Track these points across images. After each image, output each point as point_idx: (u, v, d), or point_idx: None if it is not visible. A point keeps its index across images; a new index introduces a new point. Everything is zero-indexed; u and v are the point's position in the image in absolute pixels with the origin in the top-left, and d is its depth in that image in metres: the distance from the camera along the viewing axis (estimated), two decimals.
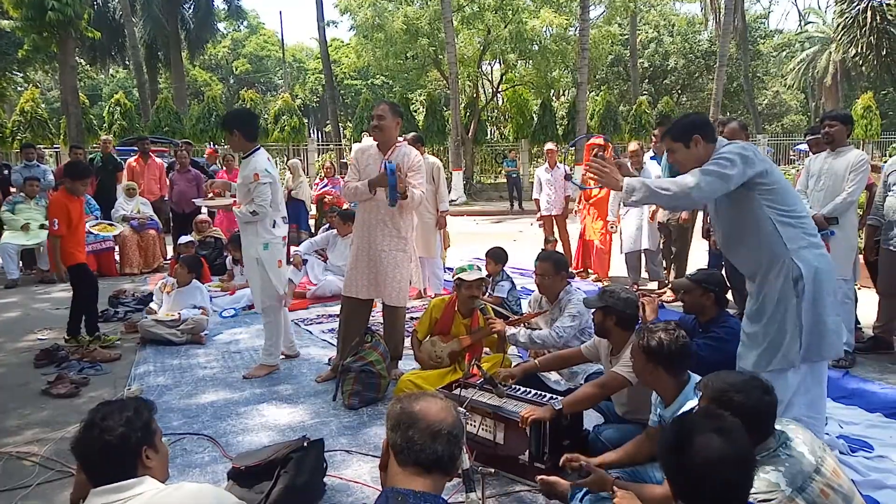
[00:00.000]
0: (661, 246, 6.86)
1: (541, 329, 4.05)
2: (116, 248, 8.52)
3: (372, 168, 4.19)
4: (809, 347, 2.71)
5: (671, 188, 2.68)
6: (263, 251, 4.37)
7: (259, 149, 4.42)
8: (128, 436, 1.73)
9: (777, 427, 2.07)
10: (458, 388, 3.29)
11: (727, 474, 1.60)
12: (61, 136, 18.75)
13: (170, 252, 8.72)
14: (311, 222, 9.75)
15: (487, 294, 5.75)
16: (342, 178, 10.32)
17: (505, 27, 19.29)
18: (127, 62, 29.90)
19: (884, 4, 13.12)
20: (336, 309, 6.22)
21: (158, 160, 9.92)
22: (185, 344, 5.30)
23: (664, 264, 6.96)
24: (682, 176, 2.72)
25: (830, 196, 4.55)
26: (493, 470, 2.62)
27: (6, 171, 9.25)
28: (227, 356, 5.05)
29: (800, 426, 2.12)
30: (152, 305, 5.75)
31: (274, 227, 4.41)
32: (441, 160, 7.26)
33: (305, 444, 2.90)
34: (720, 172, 2.63)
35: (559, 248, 8.18)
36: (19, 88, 28.28)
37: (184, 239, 7.62)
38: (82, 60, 28.71)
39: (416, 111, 24.38)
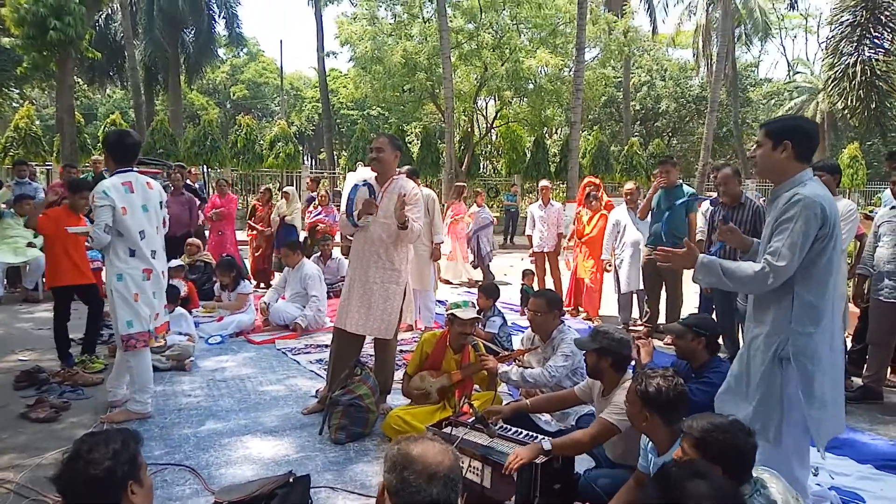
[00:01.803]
0: (643, 287, 6.83)
1: (533, 367, 4.02)
2: (103, 270, 8.41)
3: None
4: (798, 438, 2.57)
5: (748, 270, 2.55)
6: (116, 282, 3.99)
7: (120, 171, 4.08)
8: (114, 469, 1.69)
9: (753, 473, 2.09)
10: (449, 427, 3.24)
11: None
12: (54, 154, 18.71)
13: None
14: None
15: (478, 330, 5.73)
16: (336, 206, 10.38)
17: (502, 65, 19.62)
18: (125, 83, 30.00)
19: (872, 59, 13.47)
20: (323, 339, 6.19)
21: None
22: (170, 370, 5.21)
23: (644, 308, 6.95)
24: (753, 264, 2.58)
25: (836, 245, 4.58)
26: None
27: None
28: (212, 384, 4.97)
29: (774, 475, 2.13)
30: None
31: (132, 256, 4.01)
32: (435, 192, 7.30)
33: (291, 479, 2.85)
34: (801, 245, 2.46)
35: (549, 284, 8.20)
36: (14, 105, 28.31)
37: (173, 263, 7.52)
38: (80, 80, 28.81)
39: (411, 143, 24.59)
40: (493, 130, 24.48)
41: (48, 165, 18.69)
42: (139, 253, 4.06)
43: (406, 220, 4.02)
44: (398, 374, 4.48)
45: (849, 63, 13.81)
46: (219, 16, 29.49)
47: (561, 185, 20.44)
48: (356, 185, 4.15)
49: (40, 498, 3.06)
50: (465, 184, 12.96)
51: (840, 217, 4.53)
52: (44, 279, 8.11)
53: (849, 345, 5.20)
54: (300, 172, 21.47)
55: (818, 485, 3.30)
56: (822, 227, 2.49)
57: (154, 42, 26.51)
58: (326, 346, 5.44)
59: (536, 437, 3.17)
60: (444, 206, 18.16)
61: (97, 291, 5.49)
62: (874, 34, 13.43)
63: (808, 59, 40.65)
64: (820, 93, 30.92)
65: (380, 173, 4.26)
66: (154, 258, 4.16)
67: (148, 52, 26.93)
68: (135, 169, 4.26)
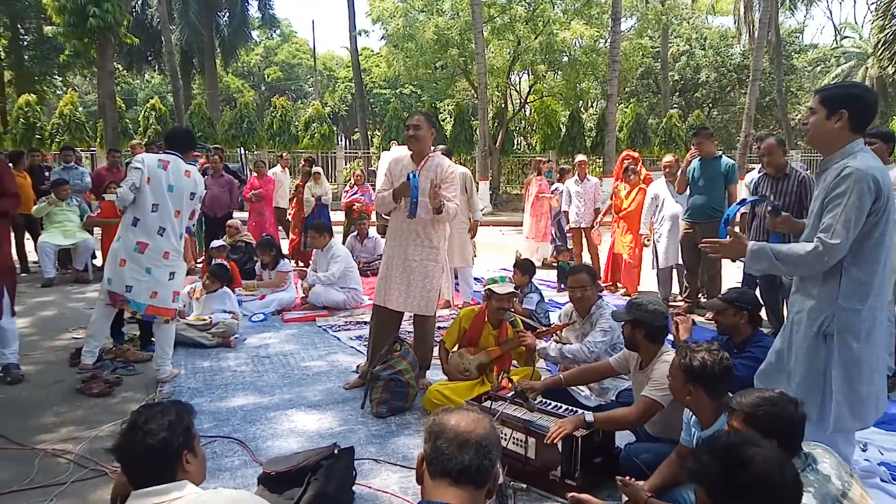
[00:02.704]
0: (682, 261, 6.71)
1: (571, 343, 4.02)
2: None
3: (404, 178, 4.22)
4: (841, 416, 2.49)
5: (800, 251, 2.47)
6: (115, 242, 4.36)
7: (166, 152, 4.48)
8: (170, 440, 1.75)
9: (804, 449, 2.06)
10: (489, 401, 3.27)
11: (787, 480, 1.63)
12: (98, 139, 19.20)
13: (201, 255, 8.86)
14: (339, 229, 9.83)
15: (516, 306, 5.73)
16: (371, 186, 10.45)
17: (535, 38, 19.29)
18: (163, 68, 30.50)
19: None
20: (363, 316, 6.28)
21: None
22: (216, 347, 5.36)
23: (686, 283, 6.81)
24: (805, 244, 2.49)
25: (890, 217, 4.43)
26: (524, 486, 2.59)
27: (47, 173, 9.46)
28: (256, 360, 5.10)
29: (827, 450, 2.09)
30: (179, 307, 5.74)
31: (133, 224, 4.27)
32: (469, 170, 7.27)
33: (336, 451, 2.91)
34: (855, 221, 2.36)
35: (586, 259, 8.14)
36: (58, 92, 29.10)
37: (215, 243, 7.72)
38: (120, 65, 29.39)
39: (444, 120, 24.46)
40: (527, 106, 24.17)
41: (93, 150, 19.23)
42: (142, 224, 4.27)
43: (441, 204, 4.02)
44: (436, 350, 4.52)
45: None
46: None
47: (597, 161, 20.13)
48: (414, 184, 3.97)
49: (98, 467, 3.21)
50: (546, 159, 12.40)
51: (892, 186, 4.41)
52: (94, 260, 8.41)
53: None
54: (335, 153, 21.64)
55: (867, 460, 3.23)
56: (876, 201, 2.39)
57: (190, 26, 26.83)
58: (366, 323, 5.52)
59: (576, 410, 3.18)
60: (476, 183, 18.13)
61: None
62: None
63: (856, 23, 38.95)
64: (869, 58, 29.65)
65: (416, 151, 4.26)
66: (161, 235, 4.32)
67: (184, 36, 27.29)
68: (179, 156, 4.48)
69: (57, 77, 29.46)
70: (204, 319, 5.53)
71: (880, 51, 14.69)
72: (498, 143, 20.96)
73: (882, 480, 3.07)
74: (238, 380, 4.62)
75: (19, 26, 25.28)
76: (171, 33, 25.66)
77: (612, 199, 7.82)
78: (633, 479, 2.51)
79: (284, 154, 12.34)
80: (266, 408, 4.07)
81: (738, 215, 5.49)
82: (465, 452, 1.50)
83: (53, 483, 3.07)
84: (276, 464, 2.93)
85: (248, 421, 3.85)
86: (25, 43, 26.00)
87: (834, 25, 42.88)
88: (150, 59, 30.65)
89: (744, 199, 3.97)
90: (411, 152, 4.29)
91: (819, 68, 34.34)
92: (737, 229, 2.84)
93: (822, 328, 2.50)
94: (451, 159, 6.82)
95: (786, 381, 2.62)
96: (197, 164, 9.85)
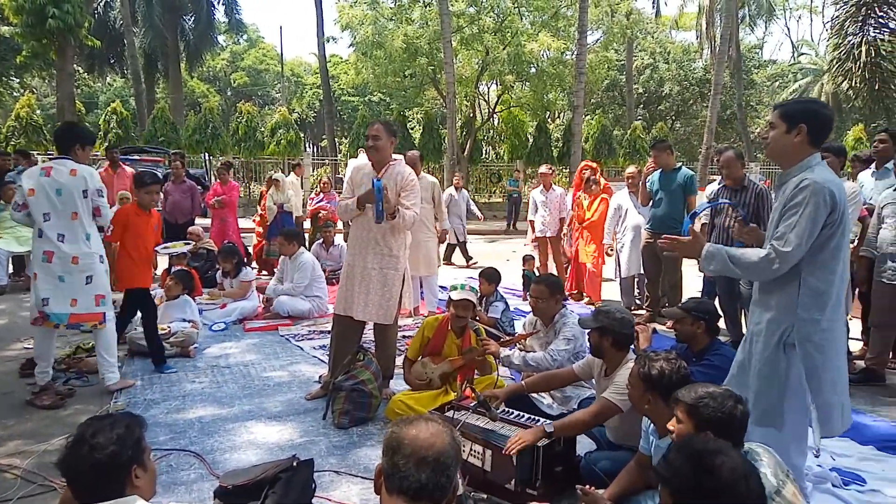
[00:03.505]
0: (643, 271, 6.81)
1: (535, 352, 4.03)
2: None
3: (366, 186, 4.20)
4: (820, 424, 2.53)
5: (753, 257, 2.53)
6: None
7: (55, 158, 4.38)
8: (118, 454, 1.70)
9: (745, 446, 2.13)
10: (451, 411, 3.26)
11: (752, 492, 1.69)
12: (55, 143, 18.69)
13: (161, 263, 8.66)
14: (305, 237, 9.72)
15: (482, 314, 5.74)
16: (338, 193, 10.38)
17: (503, 49, 19.48)
18: (125, 71, 29.94)
19: (877, 39, 13.29)
20: (326, 325, 6.21)
21: (129, 169, 9.65)
22: (174, 357, 5.24)
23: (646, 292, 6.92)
24: (759, 250, 2.56)
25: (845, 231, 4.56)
26: (485, 496, 2.58)
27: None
28: (216, 370, 4.99)
29: (767, 450, 2.13)
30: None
31: (39, 236, 4.21)
32: (436, 178, 7.28)
33: (295, 463, 2.86)
34: (809, 231, 2.42)
35: (551, 269, 8.21)
36: (15, 94, 28.28)
37: (175, 250, 7.55)
38: (80, 68, 28.72)
39: (413, 129, 24.49)
40: (495, 115, 24.37)
41: (50, 154, 18.68)
42: (44, 234, 4.18)
43: (396, 210, 4.04)
44: (399, 360, 4.49)
45: (854, 43, 13.61)
46: (218, 2, 29.34)
47: (563, 171, 20.37)
48: (378, 188, 3.98)
49: (47, 483, 3.09)
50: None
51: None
52: None
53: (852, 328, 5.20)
54: (302, 159, 21.43)
55: (819, 466, 3.31)
56: (832, 214, 2.45)
57: (153, 29, 26.41)
58: (328, 332, 5.46)
59: (539, 420, 3.19)
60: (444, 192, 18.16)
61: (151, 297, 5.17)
62: (879, 14, 13.24)
63: (812, 41, 40.30)
64: (825, 74, 30.62)
65: (376, 161, 4.25)
66: (62, 241, 4.20)
67: (147, 39, 26.83)
68: (67, 158, 4.35)
69: (14, 78, 28.63)
70: (163, 328, 5.39)
71: (835, 67, 15.19)
72: (466, 152, 21.06)
73: (833, 486, 3.14)
74: (196, 390, 4.52)
75: None
76: (135, 36, 25.21)
77: (573, 209, 7.91)
78: (593, 488, 2.53)
79: (300, 162, 12.18)
80: (225, 419, 3.99)
81: (699, 223, 5.61)
82: (423, 471, 1.46)
83: None
84: (233, 477, 2.87)
85: (206, 433, 3.77)
86: None
87: (792, 42, 44.37)
88: (112, 61, 30.06)
89: (707, 203, 4.05)
90: (371, 161, 4.28)
91: (777, 83, 35.41)
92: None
93: (782, 338, 2.54)
94: (421, 163, 6.85)
95: (747, 390, 2.66)
96: (159, 168, 9.67)
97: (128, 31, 23.09)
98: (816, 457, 3.39)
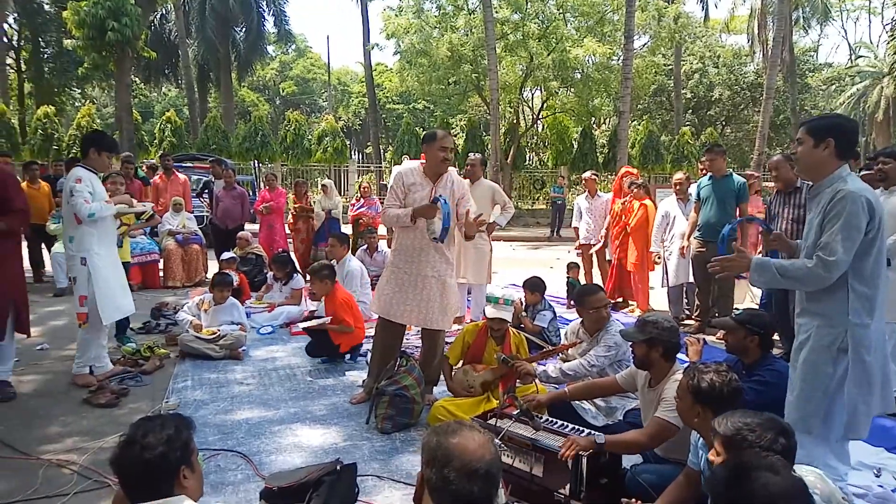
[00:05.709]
0: (693, 279, 6.62)
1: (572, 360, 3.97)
2: (161, 261, 8.72)
3: (418, 196, 4.15)
4: (856, 425, 2.64)
5: (802, 267, 2.61)
6: None
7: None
8: (167, 455, 1.74)
9: (796, 474, 2.00)
10: (494, 419, 3.23)
11: None
12: None
13: (212, 267, 8.89)
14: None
15: (527, 322, 5.70)
16: (380, 199, 10.48)
17: (548, 55, 19.37)
18: (179, 81, 30.99)
19: None
20: (369, 331, 6.24)
21: (181, 176, 9.97)
22: (223, 359, 5.36)
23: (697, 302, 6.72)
24: (806, 261, 2.63)
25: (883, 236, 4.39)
26: None
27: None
28: (263, 373, 5.09)
29: (820, 476, 2.04)
30: (183, 314, 5.76)
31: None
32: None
33: (338, 467, 2.89)
34: (852, 239, 2.52)
35: (596, 278, 8.08)
36: (76, 104, 29.57)
37: (226, 255, 7.76)
38: (137, 79, 29.86)
39: (456, 135, 24.56)
40: (539, 122, 24.24)
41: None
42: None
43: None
44: None
45: None
46: (268, 13, 30.09)
47: (609, 177, 20.09)
48: (445, 211, 3.98)
49: (101, 479, 3.20)
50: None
51: None
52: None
53: None
54: (347, 167, 21.76)
55: (881, 486, 3.17)
56: (871, 221, 2.55)
57: (206, 41, 27.24)
58: (370, 337, 5.49)
59: (582, 430, 3.13)
60: None
61: None
62: None
63: (871, 42, 38.72)
64: (885, 77, 29.47)
65: (440, 173, 4.23)
66: (70, 243, 4.62)
67: (201, 50, 27.69)
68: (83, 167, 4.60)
69: (75, 89, 29.98)
70: (213, 331, 5.53)
71: None
72: (509, 159, 21.00)
73: None
74: (244, 392, 4.61)
75: (40, 39, 25.82)
76: (188, 47, 26.07)
77: (612, 215, 7.75)
78: (638, 501, 2.46)
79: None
80: (271, 421, 4.06)
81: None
82: (474, 483, 1.46)
83: (56, 494, 3.07)
84: (278, 479, 2.91)
85: (253, 434, 3.84)
86: (46, 56, 26.54)
87: (849, 44, 42.74)
88: (167, 72, 31.15)
89: (735, 221, 4.11)
90: (422, 168, 4.26)
91: (834, 87, 34.21)
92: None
93: (835, 344, 2.61)
94: (483, 168, 6.77)
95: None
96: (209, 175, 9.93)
97: (182, 43, 23.90)
98: (877, 476, 3.25)
